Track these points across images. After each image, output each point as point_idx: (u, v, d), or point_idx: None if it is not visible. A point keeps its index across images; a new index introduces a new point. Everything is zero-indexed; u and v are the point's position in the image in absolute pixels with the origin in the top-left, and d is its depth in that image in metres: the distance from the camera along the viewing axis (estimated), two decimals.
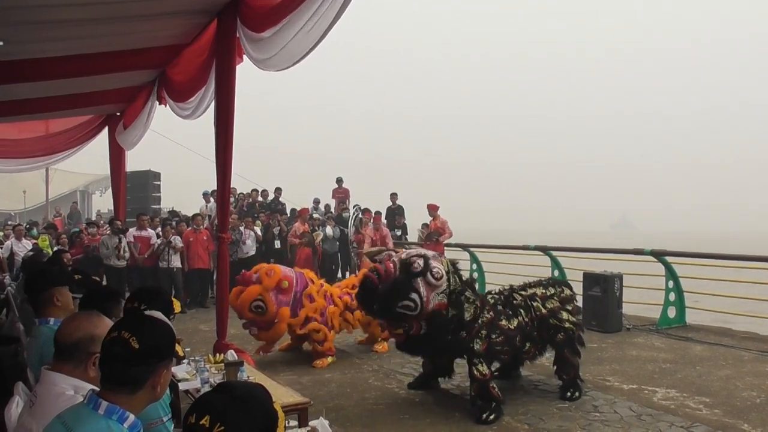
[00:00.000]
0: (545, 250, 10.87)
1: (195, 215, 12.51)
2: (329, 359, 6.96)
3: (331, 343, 7.01)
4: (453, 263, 5.36)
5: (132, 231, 11.45)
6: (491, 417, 4.99)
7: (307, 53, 4.50)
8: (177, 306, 3.54)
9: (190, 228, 11.60)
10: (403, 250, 5.69)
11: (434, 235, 12.38)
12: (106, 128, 10.39)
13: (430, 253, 5.28)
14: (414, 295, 4.91)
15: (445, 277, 5.07)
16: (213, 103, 5.98)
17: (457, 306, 5.12)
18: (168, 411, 2.59)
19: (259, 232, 12.55)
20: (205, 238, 11.45)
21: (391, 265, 5.09)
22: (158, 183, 16.95)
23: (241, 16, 5.36)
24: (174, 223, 12.03)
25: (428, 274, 4.97)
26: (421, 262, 5.00)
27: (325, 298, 7.05)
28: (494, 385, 5.15)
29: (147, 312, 2.43)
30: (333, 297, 7.16)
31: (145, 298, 3.04)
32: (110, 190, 11.96)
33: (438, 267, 5.05)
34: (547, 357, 7.13)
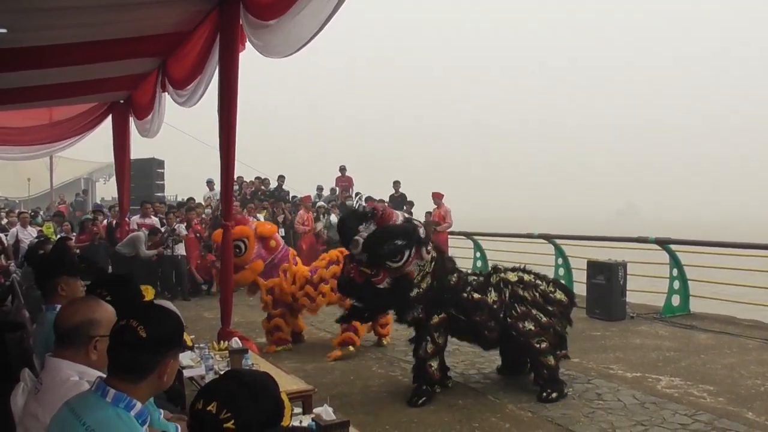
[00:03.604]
0: (549, 238, 10.85)
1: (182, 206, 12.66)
2: (279, 348, 7.06)
3: (286, 334, 7.12)
4: (439, 251, 5.48)
5: (136, 218, 11.49)
6: (422, 400, 5.18)
7: (310, 39, 4.48)
8: (149, 293, 3.49)
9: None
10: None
11: (433, 224, 12.36)
12: (111, 116, 10.38)
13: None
14: (405, 249, 4.99)
15: (429, 258, 5.19)
16: (217, 91, 5.95)
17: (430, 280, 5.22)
18: None
19: (263, 220, 12.56)
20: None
21: (394, 214, 5.19)
22: (162, 171, 16.97)
23: (245, 3, 5.33)
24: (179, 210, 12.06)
25: (423, 247, 5.10)
26: (424, 232, 5.14)
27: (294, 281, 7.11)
28: (432, 364, 5.30)
29: (156, 301, 2.43)
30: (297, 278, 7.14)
31: (110, 286, 2.90)
32: (114, 177, 11.98)
33: (431, 248, 5.23)
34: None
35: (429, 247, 5.18)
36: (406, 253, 4.99)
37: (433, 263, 5.27)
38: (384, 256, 4.95)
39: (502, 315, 5.34)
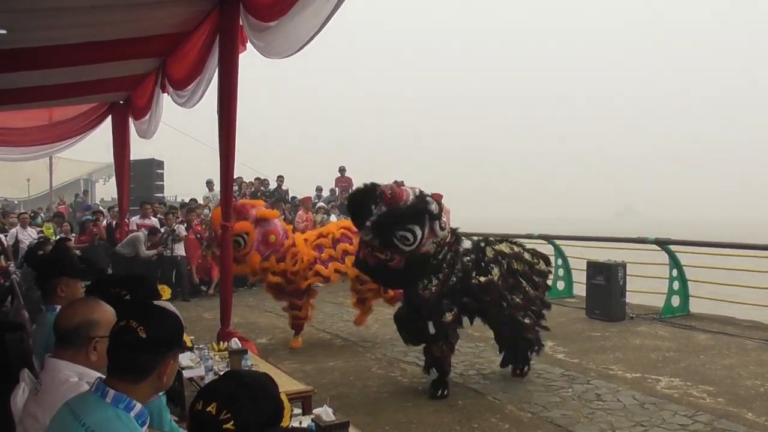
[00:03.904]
0: (549, 238, 10.85)
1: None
2: (299, 339, 7.26)
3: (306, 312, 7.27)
4: (453, 229, 5.51)
5: (135, 219, 11.49)
6: (445, 392, 5.30)
7: (310, 40, 4.48)
8: (166, 293, 3.49)
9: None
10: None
11: None
12: (110, 116, 10.38)
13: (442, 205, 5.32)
14: (417, 230, 4.87)
15: (447, 233, 5.17)
16: (216, 92, 5.96)
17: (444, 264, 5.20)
18: None
19: None
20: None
21: (405, 193, 5.01)
22: (161, 171, 16.99)
23: (245, 4, 5.33)
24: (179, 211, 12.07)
25: (437, 222, 5.01)
26: (436, 207, 5.03)
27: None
28: (448, 360, 5.46)
29: (156, 302, 2.43)
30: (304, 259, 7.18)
31: (128, 286, 2.92)
32: (113, 178, 11.99)
33: (445, 221, 5.20)
34: (550, 346, 7.17)
35: (443, 222, 5.11)
36: (419, 235, 4.88)
37: (450, 236, 5.29)
38: (396, 240, 4.87)
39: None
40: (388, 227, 4.86)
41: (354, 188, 5.37)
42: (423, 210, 4.94)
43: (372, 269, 5.12)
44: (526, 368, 5.82)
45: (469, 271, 5.37)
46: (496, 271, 5.42)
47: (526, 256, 5.65)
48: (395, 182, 5.12)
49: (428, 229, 4.95)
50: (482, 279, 5.36)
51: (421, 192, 5.09)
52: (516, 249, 5.64)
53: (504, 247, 5.60)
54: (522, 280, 5.51)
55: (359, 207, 5.12)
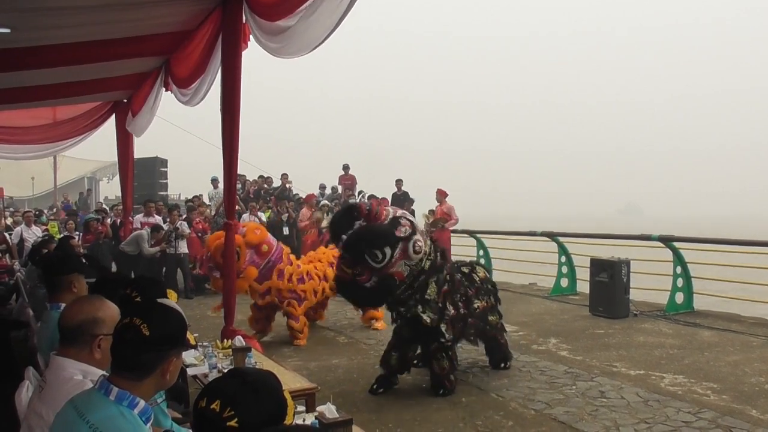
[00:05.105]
0: (552, 236, 10.84)
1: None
2: (303, 340, 7.27)
3: (303, 324, 7.27)
4: (440, 250, 5.46)
5: (139, 217, 11.53)
6: (447, 390, 5.34)
7: (323, 40, 4.45)
8: (173, 297, 3.51)
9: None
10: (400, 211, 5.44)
11: (440, 222, 12.29)
12: (114, 115, 10.40)
13: (421, 227, 5.41)
14: (387, 250, 4.85)
15: (421, 257, 5.07)
16: (219, 90, 5.96)
17: (421, 288, 5.19)
18: (162, 393, 2.61)
19: (264, 219, 12.53)
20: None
21: (384, 212, 5.08)
22: (165, 170, 17.04)
23: (248, 2, 5.32)
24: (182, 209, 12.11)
25: (410, 244, 4.96)
26: (409, 229, 5.00)
27: (300, 279, 7.26)
28: (452, 377, 5.43)
29: (159, 300, 2.44)
30: (310, 273, 7.40)
31: (139, 287, 2.98)
32: (117, 176, 12.02)
33: (421, 244, 5.05)
34: (554, 343, 7.16)
35: (418, 246, 5.01)
36: (388, 255, 4.85)
37: (438, 259, 5.31)
38: (364, 256, 4.86)
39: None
40: (358, 242, 4.88)
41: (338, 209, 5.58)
42: (389, 233, 4.90)
43: (345, 285, 5.08)
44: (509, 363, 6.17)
45: (470, 297, 5.70)
46: (487, 296, 5.93)
47: (487, 277, 6.15)
48: (376, 199, 5.18)
49: (399, 250, 4.91)
50: (480, 304, 5.79)
51: (396, 216, 5.07)
52: (483, 273, 6.09)
53: (480, 271, 6.04)
54: (495, 302, 6.04)
55: (339, 226, 5.11)
